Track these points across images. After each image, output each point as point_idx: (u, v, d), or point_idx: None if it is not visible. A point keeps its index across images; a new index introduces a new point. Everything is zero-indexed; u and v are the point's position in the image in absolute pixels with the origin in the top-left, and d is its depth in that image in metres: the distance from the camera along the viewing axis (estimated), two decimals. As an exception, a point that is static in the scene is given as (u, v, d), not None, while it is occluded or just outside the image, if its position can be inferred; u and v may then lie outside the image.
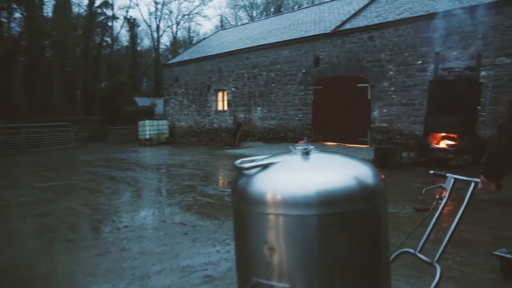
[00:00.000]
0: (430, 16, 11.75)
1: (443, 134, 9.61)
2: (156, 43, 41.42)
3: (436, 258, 2.25)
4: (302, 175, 1.61)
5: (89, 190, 7.84)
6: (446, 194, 2.56)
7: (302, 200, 1.53)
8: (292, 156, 1.76)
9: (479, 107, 9.67)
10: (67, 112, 24.98)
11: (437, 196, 2.43)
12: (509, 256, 2.93)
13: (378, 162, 9.32)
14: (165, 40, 54.33)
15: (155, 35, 41.66)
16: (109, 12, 35.61)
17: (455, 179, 2.44)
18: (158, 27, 41.72)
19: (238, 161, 1.81)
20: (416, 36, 12.31)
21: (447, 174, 2.54)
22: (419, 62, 12.23)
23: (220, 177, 9.66)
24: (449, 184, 2.53)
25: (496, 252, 3.07)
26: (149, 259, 3.85)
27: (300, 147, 1.79)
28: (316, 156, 1.77)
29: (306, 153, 1.74)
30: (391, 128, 12.76)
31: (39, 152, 16.95)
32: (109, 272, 3.58)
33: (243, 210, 1.69)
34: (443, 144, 9.58)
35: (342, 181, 1.60)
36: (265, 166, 1.71)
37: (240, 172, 1.78)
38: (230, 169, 10.72)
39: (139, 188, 8.01)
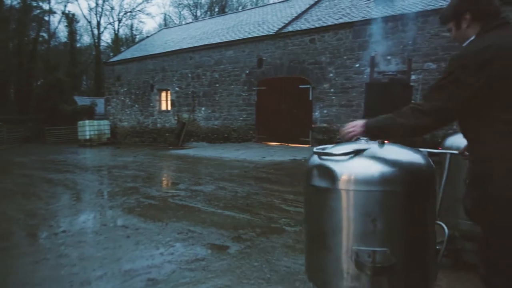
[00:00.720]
0: (366, 22, 12.36)
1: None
2: (96, 40, 40.03)
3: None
4: (388, 159, 1.95)
5: (23, 194, 7.51)
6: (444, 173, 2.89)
7: (395, 178, 1.91)
8: (372, 145, 2.03)
9: (410, 109, 10.31)
10: (-1, 111, 23.58)
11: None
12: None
13: (318, 161, 9.69)
14: (106, 38, 52.55)
15: (95, 31, 40.27)
16: (45, 6, 34.00)
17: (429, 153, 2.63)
18: (98, 23, 40.32)
19: (320, 147, 2.15)
20: (354, 40, 12.89)
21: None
22: (357, 65, 12.82)
23: (163, 178, 9.60)
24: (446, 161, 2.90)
25: None
26: (89, 265, 3.80)
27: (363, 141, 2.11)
28: (389, 147, 2.09)
29: (382, 143, 2.05)
30: (331, 128, 13.28)
31: (-32, 154, 15.89)
32: (45, 280, 3.49)
33: (339, 190, 1.96)
34: (378, 143, 10.11)
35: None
36: (357, 152, 1.97)
37: (324, 158, 2.05)
38: (174, 169, 10.68)
39: (78, 191, 7.80)
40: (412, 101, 10.93)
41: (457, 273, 3.22)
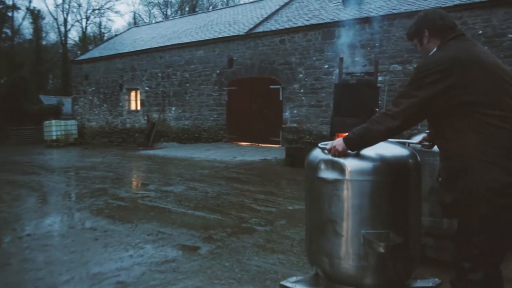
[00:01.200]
0: (335, 24, 12.58)
1: (347, 134, 10.36)
2: (63, 38, 39.01)
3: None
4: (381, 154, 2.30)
5: (-14, 197, 7.25)
6: None
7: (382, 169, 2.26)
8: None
9: (377, 109, 10.56)
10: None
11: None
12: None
13: (289, 161, 9.80)
14: (74, 35, 51.27)
15: (62, 29, 39.25)
16: (8, 1, 32.80)
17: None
18: (65, 20, 39.33)
19: (323, 143, 2.45)
20: (323, 41, 13.09)
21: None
22: (326, 66, 13.03)
23: (133, 179, 9.47)
24: None
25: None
26: (55, 269, 3.72)
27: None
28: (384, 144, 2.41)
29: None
30: (301, 128, 13.44)
31: None
32: (8, 286, 3.39)
33: (347, 180, 2.27)
34: (347, 143, 10.32)
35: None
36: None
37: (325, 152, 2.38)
38: (144, 170, 10.56)
39: (44, 193, 7.60)
40: (379, 102, 11.23)
41: (420, 268, 3.34)
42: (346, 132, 9.32)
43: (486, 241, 1.90)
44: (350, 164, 2.24)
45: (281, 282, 2.80)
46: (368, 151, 2.26)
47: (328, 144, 2.39)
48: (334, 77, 12.36)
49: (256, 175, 8.84)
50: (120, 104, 19.98)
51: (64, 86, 35.76)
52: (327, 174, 2.31)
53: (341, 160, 2.26)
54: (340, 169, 2.26)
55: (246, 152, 12.74)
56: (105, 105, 20.70)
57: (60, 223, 5.49)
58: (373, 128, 2.15)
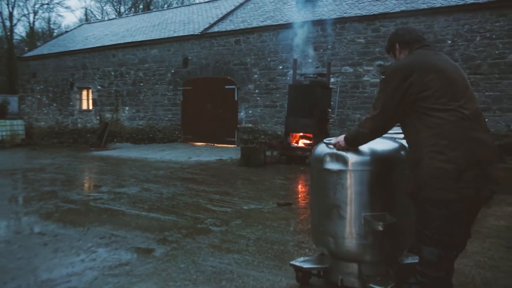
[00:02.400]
0: (289, 26, 12.80)
1: (301, 134, 10.60)
2: (8, 33, 37.06)
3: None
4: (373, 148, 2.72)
5: None
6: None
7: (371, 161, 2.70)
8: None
9: (329, 110, 10.88)
10: None
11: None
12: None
13: (244, 161, 9.89)
14: (20, 31, 48.81)
15: (7, 23, 37.25)
16: None
17: None
18: (11, 14, 37.39)
19: (327, 139, 2.96)
20: (278, 43, 13.28)
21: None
22: (280, 67, 13.23)
23: (85, 181, 9.21)
24: None
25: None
26: (0, 277, 3.59)
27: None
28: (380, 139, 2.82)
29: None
30: (256, 129, 13.58)
31: None
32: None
33: (350, 170, 2.68)
34: (301, 143, 10.56)
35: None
36: None
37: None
38: (96, 171, 10.29)
39: (-12, 198, 7.24)
40: (332, 102, 11.57)
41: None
42: (300, 132, 9.64)
43: (437, 224, 2.15)
44: (352, 156, 2.66)
45: (291, 262, 3.16)
46: (366, 146, 2.65)
47: (332, 140, 2.81)
48: (288, 78, 12.60)
49: (212, 175, 8.86)
50: (71, 103, 19.31)
51: (9, 84, 34.04)
52: (332, 165, 2.73)
53: (344, 153, 2.67)
54: (344, 161, 2.68)
55: (202, 153, 12.71)
56: (54, 104, 19.93)
57: (6, 228, 5.27)
58: (360, 131, 2.51)
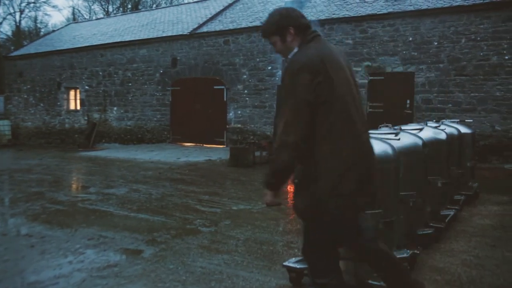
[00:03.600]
0: (278, 26, 12.81)
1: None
2: (-7, 32, 36.49)
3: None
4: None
5: None
6: None
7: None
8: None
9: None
10: None
11: None
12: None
13: (233, 161, 9.90)
14: (6, 29, 47.81)
15: (-8, 22, 36.67)
16: None
17: None
18: (-5, 13, 36.79)
19: None
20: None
21: None
22: (269, 67, 13.26)
23: (72, 182, 9.14)
24: None
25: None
26: (-13, 279, 3.55)
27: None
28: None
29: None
30: (245, 129, 13.59)
31: None
32: None
33: None
34: (290, 143, 10.59)
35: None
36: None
37: None
38: (84, 172, 10.21)
39: (-26, 199, 7.15)
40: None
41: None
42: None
43: (324, 235, 2.25)
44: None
45: (284, 263, 3.18)
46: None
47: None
48: (277, 79, 12.61)
49: (201, 176, 8.86)
50: (59, 103, 19.11)
51: (-5, 84, 33.54)
52: None
53: None
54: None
55: (191, 153, 12.68)
56: (41, 105, 19.72)
57: (-7, 230, 5.21)
58: (277, 160, 2.11)
